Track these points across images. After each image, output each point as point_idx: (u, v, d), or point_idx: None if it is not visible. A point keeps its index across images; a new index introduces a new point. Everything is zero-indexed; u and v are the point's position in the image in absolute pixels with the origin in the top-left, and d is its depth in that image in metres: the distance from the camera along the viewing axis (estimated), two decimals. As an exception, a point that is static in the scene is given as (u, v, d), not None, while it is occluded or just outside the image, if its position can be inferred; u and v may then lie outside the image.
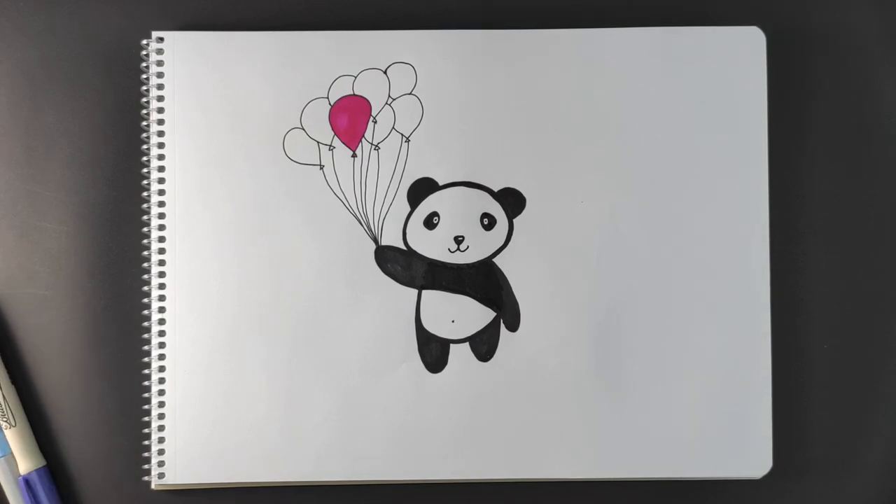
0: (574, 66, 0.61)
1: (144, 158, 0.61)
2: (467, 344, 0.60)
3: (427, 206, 0.61)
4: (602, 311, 0.60)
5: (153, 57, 0.61)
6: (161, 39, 0.61)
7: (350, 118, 0.61)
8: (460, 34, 0.61)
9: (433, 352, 0.60)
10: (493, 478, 0.60)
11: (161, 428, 0.59)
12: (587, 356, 0.60)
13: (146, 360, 0.60)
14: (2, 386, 0.60)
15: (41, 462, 0.61)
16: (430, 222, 0.61)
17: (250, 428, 0.59)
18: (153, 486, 0.60)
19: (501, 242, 0.61)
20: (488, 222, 0.61)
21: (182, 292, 0.60)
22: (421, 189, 0.61)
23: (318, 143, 0.61)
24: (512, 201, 0.61)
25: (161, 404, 0.60)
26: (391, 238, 0.61)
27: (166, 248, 0.60)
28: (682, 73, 0.61)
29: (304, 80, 0.61)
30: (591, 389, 0.60)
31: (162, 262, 0.60)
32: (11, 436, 0.60)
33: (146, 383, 0.60)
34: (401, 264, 0.60)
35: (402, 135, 0.61)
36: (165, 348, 0.60)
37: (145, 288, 0.61)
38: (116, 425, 0.61)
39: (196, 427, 0.59)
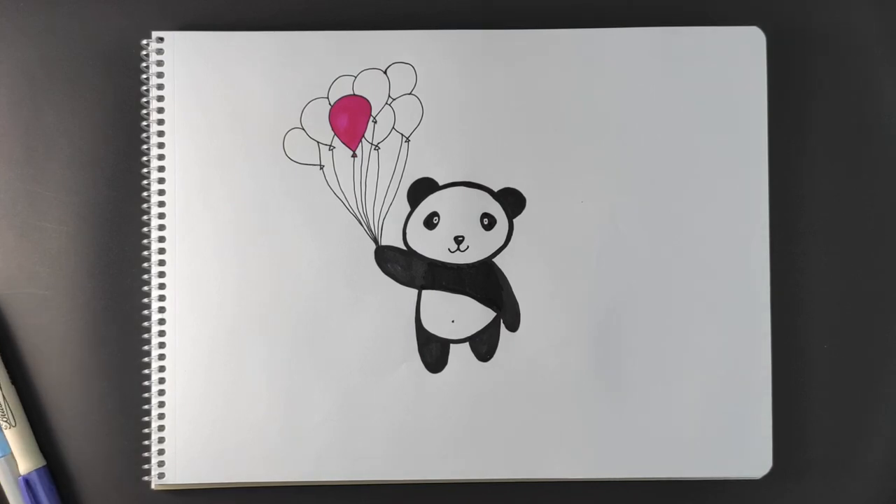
0: (574, 66, 0.61)
1: (144, 158, 0.61)
2: (467, 344, 0.60)
3: (427, 206, 0.61)
4: (602, 311, 0.60)
5: (153, 57, 0.61)
6: (161, 39, 0.61)
7: (350, 118, 0.61)
8: (460, 34, 0.61)
9: (433, 352, 0.60)
10: (493, 478, 0.60)
11: (161, 428, 0.59)
12: (587, 356, 0.60)
13: (146, 360, 0.60)
14: (2, 386, 0.60)
15: (41, 462, 0.61)
16: (430, 222, 0.61)
17: (250, 428, 0.59)
18: (153, 486, 0.60)
19: (501, 242, 0.61)
20: (488, 222, 0.61)
21: (182, 292, 0.60)
22: (421, 189, 0.61)
23: (318, 143, 0.61)
24: (512, 201, 0.61)
25: (161, 404, 0.60)
26: (391, 238, 0.61)
27: (166, 248, 0.60)
28: (682, 73, 0.61)
29: (304, 80, 0.61)
30: (591, 389, 0.60)
31: (162, 262, 0.60)
32: (11, 436, 0.60)
33: (146, 383, 0.60)
34: (401, 264, 0.60)
35: (402, 135, 0.61)
36: (165, 348, 0.60)
37: (145, 288, 0.61)
38: (116, 425, 0.61)
39: (196, 427, 0.59)
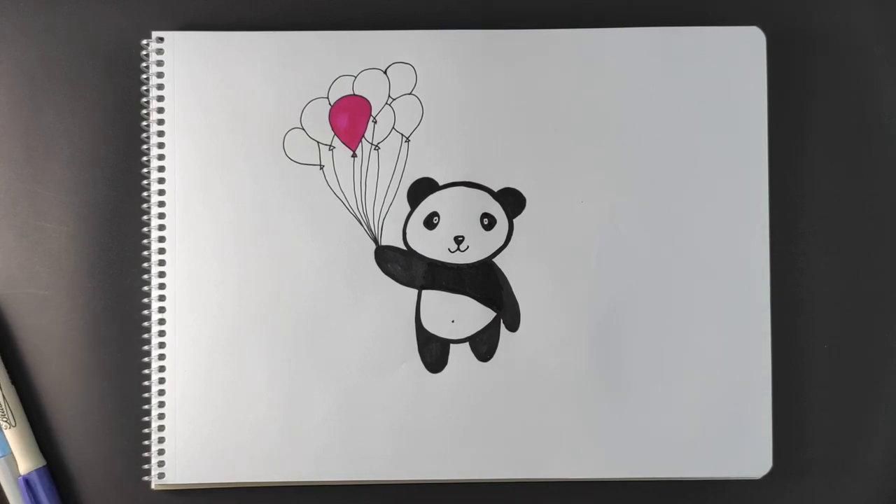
0: (574, 66, 0.61)
1: (144, 158, 0.61)
2: (467, 344, 0.60)
3: (427, 206, 0.61)
4: (602, 311, 0.60)
5: (153, 57, 0.61)
6: (161, 39, 0.61)
7: (350, 118, 0.61)
8: (460, 34, 0.61)
9: (433, 352, 0.60)
10: (493, 478, 0.60)
11: (161, 428, 0.59)
12: (587, 356, 0.60)
13: (146, 360, 0.60)
14: (2, 386, 0.60)
15: (41, 462, 0.61)
16: (430, 222, 0.61)
17: (250, 428, 0.59)
18: (153, 486, 0.60)
19: (501, 242, 0.61)
20: (488, 222, 0.61)
21: (182, 292, 0.60)
22: (421, 189, 0.61)
23: (318, 143, 0.61)
24: (512, 201, 0.61)
25: (161, 404, 0.60)
26: (391, 238, 0.61)
27: (166, 248, 0.60)
28: (682, 73, 0.61)
29: (304, 80, 0.61)
30: (591, 389, 0.60)
31: (162, 262, 0.60)
32: (11, 436, 0.60)
33: (146, 383, 0.60)
34: (401, 264, 0.60)
35: (402, 135, 0.61)
36: (165, 348, 0.60)
37: (145, 288, 0.61)
38: (116, 425, 0.61)
39: (196, 427, 0.59)
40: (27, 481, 0.60)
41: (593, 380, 0.60)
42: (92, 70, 0.62)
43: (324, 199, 0.60)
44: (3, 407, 0.60)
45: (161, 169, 0.60)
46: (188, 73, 0.60)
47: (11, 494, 0.60)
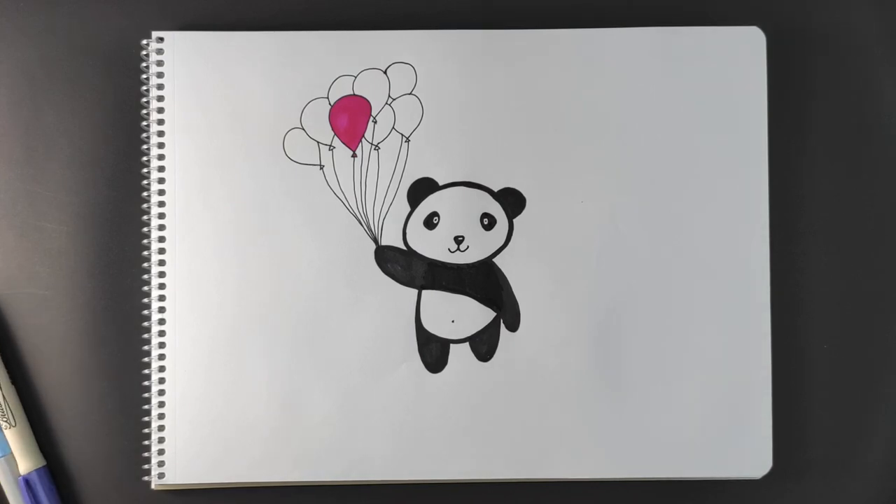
0: (574, 66, 0.61)
1: (144, 158, 0.61)
2: (467, 344, 0.60)
3: (427, 206, 0.61)
4: (602, 311, 0.60)
5: (153, 57, 0.61)
6: (161, 39, 0.61)
7: (350, 118, 0.61)
8: (460, 34, 0.61)
9: (433, 352, 0.60)
10: (493, 478, 0.60)
11: (161, 428, 0.59)
12: (587, 356, 0.60)
13: (146, 360, 0.60)
14: (2, 386, 0.60)
15: (41, 462, 0.61)
16: (430, 222, 0.61)
17: (250, 428, 0.59)
18: (153, 486, 0.60)
19: (501, 242, 0.61)
20: (488, 222, 0.61)
21: (182, 292, 0.60)
22: (421, 189, 0.61)
23: (318, 143, 0.61)
24: (512, 201, 0.61)
25: (161, 404, 0.60)
26: (391, 238, 0.61)
27: (166, 248, 0.60)
28: (682, 73, 0.61)
29: (304, 80, 0.61)
30: (591, 389, 0.60)
31: (162, 262, 0.60)
32: (11, 436, 0.60)
33: (146, 383, 0.60)
34: (401, 264, 0.60)
35: (402, 135, 0.61)
36: (165, 348, 0.60)
37: (145, 288, 0.61)
38: (116, 425, 0.61)
39: (196, 427, 0.59)
40: (27, 481, 0.60)
41: (593, 380, 0.60)
42: (92, 70, 0.62)
43: (324, 199, 0.60)
44: (3, 407, 0.60)
45: (161, 169, 0.60)
46: (188, 73, 0.60)
47: (11, 494, 0.60)
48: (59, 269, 0.62)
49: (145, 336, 0.61)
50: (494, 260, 0.61)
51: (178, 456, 0.59)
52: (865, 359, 0.63)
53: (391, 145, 0.61)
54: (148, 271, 0.60)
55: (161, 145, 0.60)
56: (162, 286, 0.60)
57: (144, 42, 0.61)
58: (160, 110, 0.60)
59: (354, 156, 0.61)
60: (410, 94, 0.61)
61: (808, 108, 0.63)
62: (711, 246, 0.60)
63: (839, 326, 0.63)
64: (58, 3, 0.62)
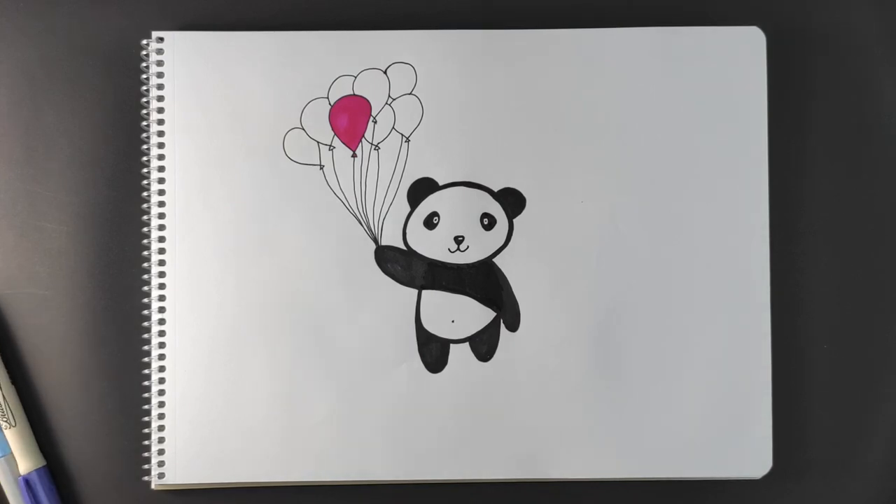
0: (574, 66, 0.61)
1: (144, 158, 0.61)
2: (467, 344, 0.60)
3: (427, 206, 0.61)
4: (602, 311, 0.60)
5: (153, 57, 0.61)
6: (161, 39, 0.61)
7: (350, 118, 0.61)
8: (460, 34, 0.61)
9: (433, 352, 0.60)
10: (492, 478, 0.60)
11: (161, 428, 0.59)
12: (587, 356, 0.60)
13: (146, 360, 0.60)
14: (2, 386, 0.60)
15: (41, 462, 0.61)
16: (430, 222, 0.61)
17: (250, 428, 0.59)
18: (153, 486, 0.60)
19: (501, 242, 0.61)
20: (488, 222, 0.61)
21: (182, 292, 0.60)
22: (421, 189, 0.61)
23: (318, 143, 0.61)
24: (512, 201, 0.61)
25: (161, 404, 0.60)
26: (391, 238, 0.61)
27: (166, 248, 0.60)
28: (682, 73, 0.61)
29: (304, 80, 0.61)
30: (591, 389, 0.60)
31: (162, 262, 0.60)
32: (11, 436, 0.60)
33: (146, 383, 0.60)
34: (401, 264, 0.60)
35: (402, 135, 0.61)
36: (165, 348, 0.60)
37: (145, 288, 0.61)
38: (116, 425, 0.61)
39: (196, 427, 0.59)
40: (27, 481, 0.60)
41: (593, 380, 0.60)
42: (92, 70, 0.62)
43: (324, 199, 0.60)
44: (3, 407, 0.60)
45: (161, 169, 0.60)
46: (188, 73, 0.60)
47: (11, 494, 0.60)
48: (59, 269, 0.62)
49: (145, 336, 0.61)
50: (494, 260, 0.61)
51: (178, 456, 0.59)
52: (865, 359, 0.63)
53: (391, 145, 0.61)
54: (148, 271, 0.60)
55: (161, 145, 0.60)
56: (162, 286, 0.60)
57: (144, 42, 0.61)
58: (160, 110, 0.60)
59: (354, 156, 0.61)
60: (410, 94, 0.61)
61: (808, 108, 0.63)
62: (711, 246, 0.60)
63: (839, 326, 0.63)
64: (58, 3, 0.62)
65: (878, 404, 0.63)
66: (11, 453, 0.60)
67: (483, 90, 0.61)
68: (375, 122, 0.61)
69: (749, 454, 0.60)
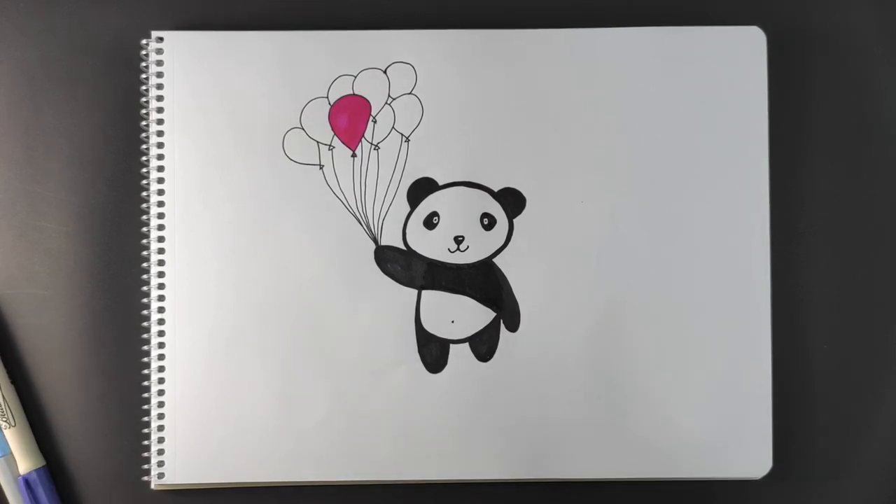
0: (574, 66, 0.61)
1: (144, 158, 0.61)
2: (467, 344, 0.60)
3: (427, 205, 0.61)
4: (602, 311, 0.60)
5: (153, 57, 0.61)
6: (161, 39, 0.61)
7: (350, 118, 0.61)
8: (460, 34, 0.61)
9: (433, 352, 0.60)
10: (492, 478, 0.60)
11: (161, 428, 0.59)
12: (587, 356, 0.60)
13: (146, 360, 0.60)
14: (2, 386, 0.60)
15: (41, 462, 0.61)
16: (430, 222, 0.61)
17: (250, 428, 0.59)
18: (153, 486, 0.60)
19: (501, 242, 0.61)
20: (488, 222, 0.61)
21: (182, 292, 0.60)
22: (421, 189, 0.61)
23: (317, 142, 0.61)
24: (512, 201, 0.61)
25: (161, 404, 0.60)
26: (391, 238, 0.61)
27: (166, 248, 0.60)
28: (682, 73, 0.61)
29: (304, 79, 0.61)
30: (590, 389, 0.60)
31: (162, 262, 0.60)
32: (11, 436, 0.60)
33: (146, 383, 0.60)
34: (400, 264, 0.60)
35: (402, 135, 0.61)
36: (165, 348, 0.60)
37: (145, 288, 0.61)
38: (116, 425, 0.61)
39: (196, 427, 0.59)
40: (27, 481, 0.60)
41: (593, 380, 0.60)
42: (92, 70, 0.62)
43: (324, 199, 0.60)
44: (3, 407, 0.60)
45: (161, 169, 0.60)
46: (188, 73, 0.60)
47: (11, 494, 0.60)
48: (59, 269, 0.62)
49: (145, 336, 0.61)
50: (494, 260, 0.61)
51: (177, 456, 0.59)
52: (865, 359, 0.63)
53: (391, 145, 0.61)
54: (148, 271, 0.60)
55: (161, 145, 0.60)
56: (161, 286, 0.60)
57: (144, 42, 0.61)
58: (160, 110, 0.60)
59: (354, 156, 0.61)
60: (410, 93, 0.61)
61: (808, 108, 0.63)
62: (711, 246, 0.60)
63: (839, 326, 0.63)
64: (58, 3, 0.62)
65: (878, 404, 0.63)
66: (11, 453, 0.60)
67: (483, 90, 0.61)
68: (375, 122, 0.61)
69: (749, 454, 0.60)
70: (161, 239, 0.60)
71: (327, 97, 0.61)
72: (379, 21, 0.62)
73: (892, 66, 0.63)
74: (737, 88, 0.61)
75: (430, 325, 0.60)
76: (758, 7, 0.63)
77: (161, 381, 0.60)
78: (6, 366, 0.61)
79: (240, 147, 0.60)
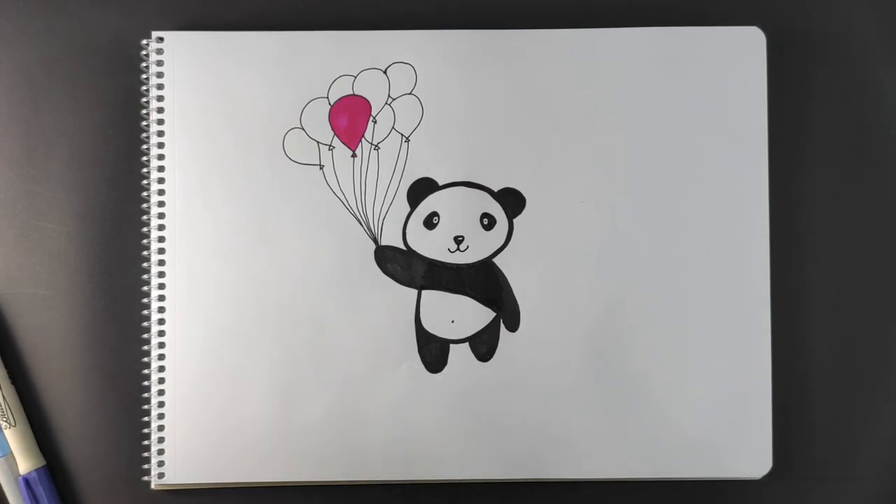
0: (574, 66, 0.61)
1: (144, 158, 0.61)
2: (467, 344, 0.60)
3: (427, 205, 0.61)
4: (602, 312, 0.60)
5: (153, 57, 0.61)
6: (161, 39, 0.61)
7: (350, 118, 0.61)
8: (460, 34, 0.61)
9: (433, 352, 0.60)
10: (492, 478, 0.60)
11: (161, 428, 0.59)
12: (587, 356, 0.60)
13: (146, 360, 0.60)
14: (2, 386, 0.60)
15: (41, 462, 0.61)
16: (430, 222, 0.61)
17: (250, 428, 0.59)
18: (153, 486, 0.60)
19: (501, 242, 0.61)
20: (488, 222, 0.61)
21: (182, 292, 0.60)
22: (421, 189, 0.61)
23: (317, 142, 0.61)
24: (512, 201, 0.61)
25: (161, 404, 0.60)
26: (391, 238, 0.61)
27: (166, 248, 0.60)
28: (682, 73, 0.61)
29: (304, 79, 0.61)
30: (590, 389, 0.60)
31: (162, 262, 0.60)
32: (11, 436, 0.60)
33: (146, 383, 0.60)
34: (400, 264, 0.60)
35: (402, 135, 0.61)
36: (165, 348, 0.60)
37: (145, 288, 0.61)
38: (116, 425, 0.61)
39: (196, 427, 0.59)
40: (27, 481, 0.60)
41: (593, 380, 0.60)
42: (92, 70, 0.62)
43: (324, 199, 0.60)
44: (3, 407, 0.60)
45: (161, 169, 0.60)
46: (188, 73, 0.60)
47: (11, 494, 0.60)
48: (59, 269, 0.62)
49: (145, 336, 0.61)
50: (494, 260, 0.61)
51: (177, 456, 0.59)
52: (865, 359, 0.63)
53: (391, 145, 0.61)
54: (148, 271, 0.60)
55: (161, 145, 0.60)
56: (161, 286, 0.60)
57: (144, 42, 0.61)
58: (160, 110, 0.60)
59: (354, 156, 0.61)
60: (410, 94, 0.61)
61: (808, 108, 0.63)
62: (711, 246, 0.60)
63: (839, 326, 0.63)
64: (58, 3, 0.62)
65: (879, 404, 0.63)
66: (11, 453, 0.60)
67: (483, 90, 0.61)
68: (375, 122, 0.61)
69: (749, 454, 0.60)
70: (161, 239, 0.60)
71: (327, 97, 0.61)
72: (379, 21, 0.62)
73: (892, 67, 0.63)
74: (736, 89, 0.61)
75: (430, 325, 0.60)
76: (758, 7, 0.63)
77: (161, 381, 0.60)
78: (6, 366, 0.61)
79: (240, 147, 0.60)
